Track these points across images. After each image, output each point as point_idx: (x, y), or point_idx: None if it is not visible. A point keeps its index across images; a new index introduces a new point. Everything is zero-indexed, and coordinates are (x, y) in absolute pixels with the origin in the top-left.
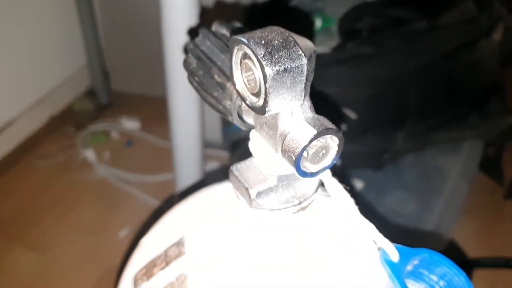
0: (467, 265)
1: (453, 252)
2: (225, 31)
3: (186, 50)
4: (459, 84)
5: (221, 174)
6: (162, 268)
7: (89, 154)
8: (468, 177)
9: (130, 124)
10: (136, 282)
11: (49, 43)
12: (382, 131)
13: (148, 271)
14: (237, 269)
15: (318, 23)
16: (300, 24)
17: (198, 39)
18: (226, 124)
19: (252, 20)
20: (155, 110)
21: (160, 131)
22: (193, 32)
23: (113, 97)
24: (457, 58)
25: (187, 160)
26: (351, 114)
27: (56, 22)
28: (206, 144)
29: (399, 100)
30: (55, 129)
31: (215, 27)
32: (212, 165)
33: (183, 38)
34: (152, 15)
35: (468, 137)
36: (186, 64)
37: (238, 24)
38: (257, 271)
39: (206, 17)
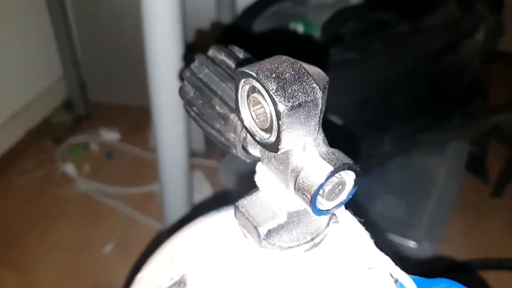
0: (460, 269)
1: (444, 255)
2: (223, 57)
3: (181, 77)
4: (443, 85)
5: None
6: None
7: (69, 168)
8: (455, 178)
9: (110, 135)
10: None
11: (24, 55)
12: (368, 136)
13: None
14: None
15: (300, 29)
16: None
17: (195, 66)
18: None
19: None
20: (134, 120)
21: (140, 141)
22: (188, 58)
23: (91, 108)
24: (441, 59)
25: (174, 170)
26: (336, 121)
27: (30, 34)
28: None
29: (384, 104)
30: (33, 143)
31: (212, 52)
32: (197, 175)
33: (167, 47)
34: (128, 25)
35: (454, 137)
36: (182, 93)
37: (237, 48)
38: None
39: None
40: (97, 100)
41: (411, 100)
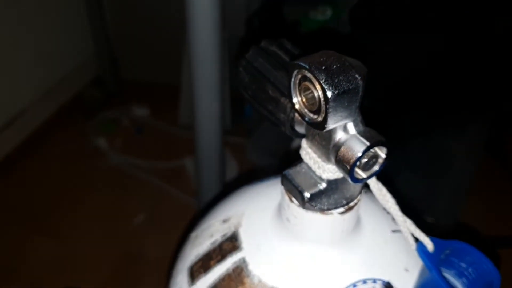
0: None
1: (465, 233)
2: (274, 48)
3: (238, 65)
4: (466, 70)
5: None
6: (218, 261)
7: (101, 142)
8: (474, 159)
9: (140, 111)
10: (193, 274)
11: (57, 33)
12: (391, 116)
13: (204, 264)
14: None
15: (328, 12)
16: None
17: (250, 56)
18: (236, 111)
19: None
20: (163, 97)
21: (169, 118)
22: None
23: (122, 84)
24: (463, 47)
25: (209, 145)
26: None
27: (63, 11)
28: None
29: (407, 86)
30: (66, 118)
31: (264, 44)
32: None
33: (208, 27)
34: (160, 2)
35: (474, 119)
36: (239, 78)
37: (285, 41)
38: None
39: None
40: (128, 77)
41: (433, 83)
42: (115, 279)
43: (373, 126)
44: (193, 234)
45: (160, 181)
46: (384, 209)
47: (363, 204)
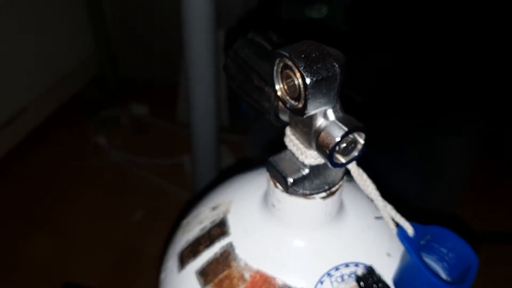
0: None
1: (457, 228)
2: (260, 40)
3: (226, 56)
4: (462, 67)
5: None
6: (207, 246)
7: (101, 140)
8: (470, 157)
9: (139, 110)
10: (182, 259)
11: (57, 30)
12: (387, 114)
13: (193, 249)
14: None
15: (323, 10)
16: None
17: (237, 47)
18: (233, 109)
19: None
20: (162, 95)
21: (168, 116)
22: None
23: (121, 83)
24: (459, 45)
25: (205, 142)
26: (356, 98)
27: (64, 10)
28: None
29: (403, 84)
30: (66, 117)
31: (250, 35)
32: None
33: (204, 26)
34: (160, 1)
35: (471, 116)
36: (226, 69)
37: (271, 32)
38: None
39: None
40: (128, 76)
41: (430, 80)
42: (114, 275)
43: (368, 124)
44: (184, 221)
45: (159, 179)
46: (369, 197)
47: (348, 193)
